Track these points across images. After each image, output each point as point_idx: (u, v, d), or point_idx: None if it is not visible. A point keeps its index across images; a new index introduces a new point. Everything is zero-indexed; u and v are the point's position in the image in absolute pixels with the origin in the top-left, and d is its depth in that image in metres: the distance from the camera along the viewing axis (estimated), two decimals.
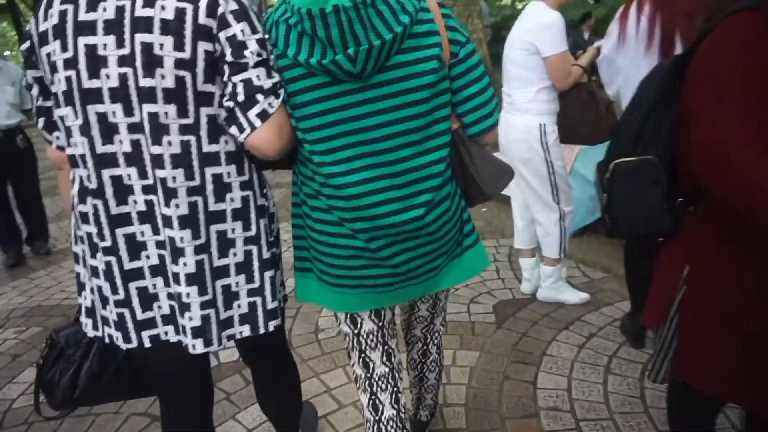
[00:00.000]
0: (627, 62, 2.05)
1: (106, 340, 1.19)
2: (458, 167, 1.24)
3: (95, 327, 1.21)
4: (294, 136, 1.15)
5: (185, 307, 1.13)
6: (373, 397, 1.38)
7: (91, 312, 1.20)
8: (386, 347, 1.36)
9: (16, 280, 3.78)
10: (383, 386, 1.37)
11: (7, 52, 25.37)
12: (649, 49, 1.96)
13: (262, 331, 1.22)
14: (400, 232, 1.15)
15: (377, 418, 1.37)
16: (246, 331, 1.21)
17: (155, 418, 2.17)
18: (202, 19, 1.03)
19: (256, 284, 1.20)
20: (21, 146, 3.98)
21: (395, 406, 1.38)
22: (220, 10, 1.04)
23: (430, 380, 1.66)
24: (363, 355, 1.36)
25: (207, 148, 1.10)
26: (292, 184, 1.29)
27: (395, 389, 1.39)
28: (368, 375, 1.37)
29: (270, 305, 1.22)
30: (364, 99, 1.09)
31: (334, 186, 1.14)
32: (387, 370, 1.37)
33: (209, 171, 1.11)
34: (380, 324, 1.34)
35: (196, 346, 1.15)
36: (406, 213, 1.14)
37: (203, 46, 1.04)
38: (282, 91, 1.10)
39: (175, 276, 1.12)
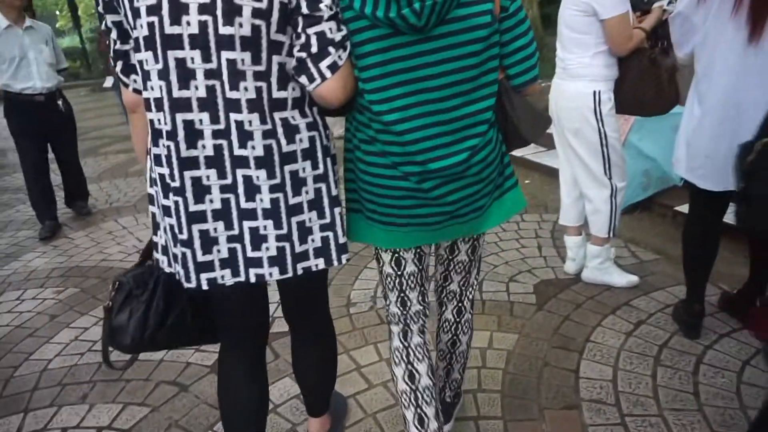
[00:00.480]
0: (708, 22, 1.81)
1: (177, 276, 1.24)
2: (500, 114, 1.30)
3: (170, 263, 1.26)
4: (355, 86, 1.21)
5: (262, 239, 1.19)
6: (405, 328, 1.52)
7: (165, 250, 1.26)
8: (422, 288, 1.50)
9: (56, 240, 3.85)
10: (416, 320, 1.52)
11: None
12: (736, 15, 1.72)
13: (335, 263, 1.28)
14: (448, 174, 1.23)
15: (406, 344, 1.52)
16: (321, 263, 1.26)
17: (183, 387, 2.16)
18: None
19: (328, 220, 1.26)
20: (63, 110, 3.92)
21: (422, 336, 1.53)
22: None
23: (462, 344, 1.67)
24: (402, 294, 1.48)
25: (276, 94, 1.15)
26: (345, 131, 1.35)
27: (424, 325, 1.54)
28: (404, 312, 1.50)
29: (341, 240, 1.28)
30: (423, 50, 1.16)
31: (392, 132, 1.21)
32: (421, 308, 1.51)
33: (277, 115, 1.16)
34: (420, 267, 1.46)
35: (273, 274, 1.21)
36: (454, 157, 1.22)
37: None
38: (348, 44, 1.16)
39: (251, 212, 1.17)
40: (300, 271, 1.24)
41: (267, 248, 1.20)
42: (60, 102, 3.88)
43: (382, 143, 1.24)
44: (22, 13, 3.73)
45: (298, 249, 1.23)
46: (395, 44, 1.16)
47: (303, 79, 1.15)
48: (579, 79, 2.33)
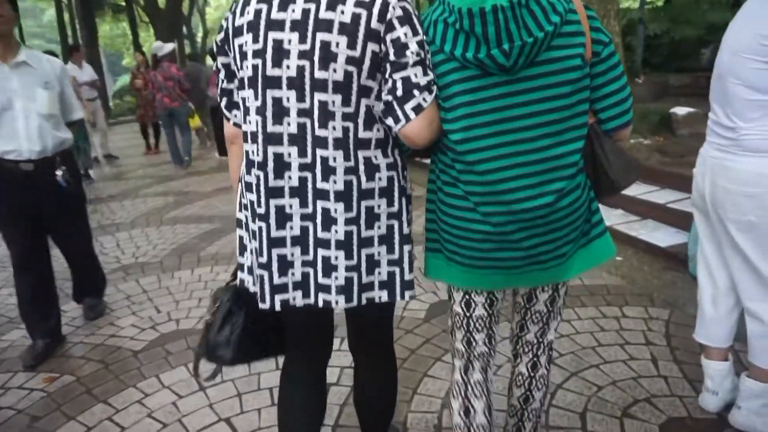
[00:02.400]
0: None
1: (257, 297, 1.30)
2: (590, 159, 1.29)
3: (254, 283, 1.31)
4: (440, 127, 1.24)
5: (332, 268, 1.25)
6: (468, 364, 1.50)
7: (251, 270, 1.33)
8: (490, 331, 1.49)
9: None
10: (479, 359, 1.50)
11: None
12: None
13: (398, 298, 1.31)
14: (532, 217, 1.22)
15: (466, 380, 1.51)
16: (384, 296, 1.30)
17: None
18: (374, 23, 1.16)
19: (396, 255, 1.30)
20: (63, 184, 2.64)
21: (483, 374, 1.51)
22: (389, 16, 1.16)
23: (535, 401, 1.58)
24: (469, 335, 1.47)
25: (362, 134, 1.22)
26: (430, 172, 1.37)
27: (487, 365, 1.52)
28: (468, 350, 1.49)
29: (407, 276, 1.31)
30: (512, 91, 1.17)
31: (475, 172, 1.22)
32: (486, 350, 1.50)
33: (361, 153, 1.23)
34: (491, 311, 1.46)
35: (339, 302, 1.26)
36: (540, 199, 1.21)
37: (371, 47, 1.17)
38: (435, 88, 1.21)
39: (325, 242, 1.24)
40: (364, 301, 1.29)
41: (336, 277, 1.25)
42: (60, 173, 2.61)
43: (464, 183, 1.25)
44: (11, 42, 2.48)
45: (365, 280, 1.27)
46: (485, 85, 1.18)
47: (389, 121, 1.21)
48: (761, 155, 1.63)
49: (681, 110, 4.75)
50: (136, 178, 7.43)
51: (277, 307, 1.27)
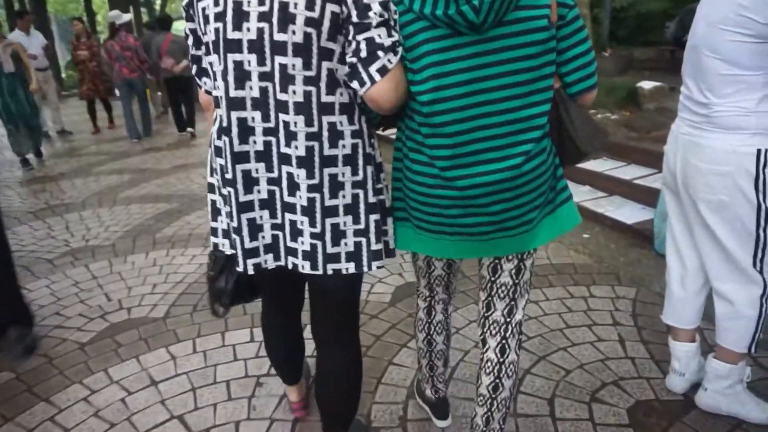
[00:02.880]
0: None
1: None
2: (555, 125, 1.28)
3: (232, 246, 1.33)
4: (407, 90, 1.23)
5: (298, 233, 1.26)
6: (430, 307, 1.67)
7: (227, 233, 1.36)
8: (449, 283, 1.62)
9: None
10: (440, 303, 1.67)
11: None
12: None
13: (365, 269, 1.29)
14: (498, 179, 1.20)
15: (429, 320, 1.69)
16: (351, 267, 1.28)
17: None
18: None
19: (362, 225, 1.28)
20: None
21: (444, 313, 1.70)
22: None
23: (505, 389, 1.50)
24: (429, 285, 1.63)
25: (325, 98, 1.20)
26: (395, 140, 1.38)
27: (448, 304, 1.69)
28: (431, 295, 1.65)
29: (374, 246, 1.29)
30: (481, 51, 1.16)
31: (443, 134, 1.21)
32: (446, 296, 1.66)
33: (325, 119, 1.21)
34: (449, 271, 1.59)
35: (305, 267, 1.28)
36: (506, 161, 1.20)
37: (330, 8, 1.13)
38: (400, 49, 1.19)
39: (291, 206, 1.25)
40: (330, 271, 1.27)
41: (302, 242, 1.26)
42: None
43: (429, 148, 1.24)
44: None
45: (330, 250, 1.26)
46: (454, 44, 1.16)
47: (355, 84, 1.19)
48: (733, 132, 1.57)
49: (647, 84, 4.73)
50: (90, 155, 7.06)
51: (250, 271, 1.30)
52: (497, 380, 1.47)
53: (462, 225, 1.27)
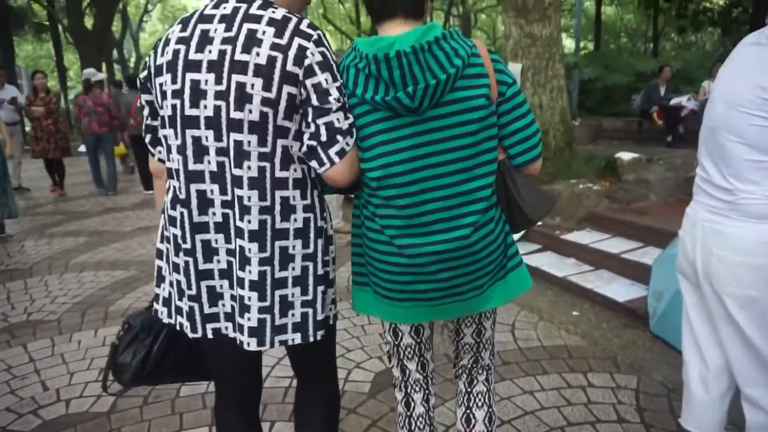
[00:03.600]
0: None
1: (178, 327, 1.33)
2: (503, 194, 1.34)
3: (170, 315, 1.34)
4: (359, 167, 1.29)
5: (245, 309, 1.25)
6: (406, 396, 1.59)
7: (167, 302, 1.35)
8: (422, 359, 1.56)
9: None
10: (416, 389, 1.58)
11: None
12: None
13: (311, 339, 1.30)
14: (446, 249, 1.27)
15: (408, 413, 1.59)
16: (297, 338, 1.29)
17: None
18: (290, 66, 1.17)
19: (310, 296, 1.29)
20: None
21: (425, 405, 1.60)
22: (307, 61, 1.17)
23: (479, 422, 1.56)
24: (401, 362, 1.57)
25: (279, 173, 1.22)
26: (353, 207, 1.43)
27: (427, 392, 1.60)
28: (404, 378, 1.59)
29: (320, 316, 1.31)
30: (421, 130, 1.24)
31: (394, 206, 1.28)
32: (420, 377, 1.58)
33: (279, 193, 1.23)
34: (418, 340, 1.53)
35: (251, 344, 1.26)
36: (453, 232, 1.27)
37: (288, 89, 1.17)
38: (354, 131, 1.25)
39: (240, 281, 1.24)
40: (277, 344, 1.28)
41: (249, 318, 1.25)
42: None
43: (380, 218, 1.31)
44: None
45: (278, 321, 1.27)
46: (395, 125, 1.24)
47: (314, 164, 1.23)
48: (765, 222, 1.41)
49: (626, 155, 4.74)
50: (45, 214, 6.66)
51: (209, 335, 1.30)
52: (468, 411, 1.59)
53: (413, 291, 1.32)
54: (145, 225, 5.89)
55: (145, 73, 1.28)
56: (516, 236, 4.11)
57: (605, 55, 11.88)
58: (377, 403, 2.39)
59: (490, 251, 1.30)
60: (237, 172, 1.19)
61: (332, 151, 1.21)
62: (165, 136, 1.25)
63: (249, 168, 1.19)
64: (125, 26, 23.41)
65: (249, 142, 1.18)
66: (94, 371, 2.72)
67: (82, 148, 8.47)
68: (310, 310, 1.29)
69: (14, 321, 3.39)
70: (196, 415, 2.32)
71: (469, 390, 1.58)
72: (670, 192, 4.49)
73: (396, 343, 1.53)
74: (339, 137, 1.21)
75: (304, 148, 1.22)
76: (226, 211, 1.22)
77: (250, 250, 1.21)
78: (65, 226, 5.94)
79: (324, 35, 1.23)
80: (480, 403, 1.57)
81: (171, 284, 1.32)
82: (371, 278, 1.37)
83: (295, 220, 1.25)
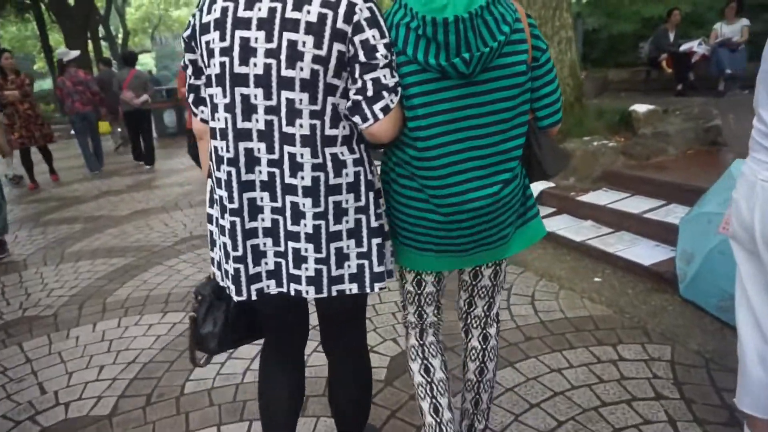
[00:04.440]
0: None
1: (227, 291, 1.36)
2: (526, 151, 1.40)
3: (222, 278, 1.37)
4: (402, 125, 1.31)
5: (302, 260, 1.28)
6: (421, 331, 1.65)
7: (219, 265, 1.38)
8: (438, 303, 1.65)
9: None
10: (431, 331, 1.65)
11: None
12: None
13: (368, 290, 1.34)
14: (481, 206, 1.32)
15: (422, 342, 1.64)
16: (354, 288, 1.33)
17: None
18: (340, 24, 1.18)
19: (365, 248, 1.33)
20: None
21: (436, 335, 1.67)
22: (356, 17, 1.19)
23: (489, 371, 1.67)
24: (420, 309, 1.63)
25: (329, 131, 1.24)
26: (382, 164, 1.45)
27: (438, 330, 1.68)
28: (420, 321, 1.64)
29: (377, 269, 1.34)
30: (467, 93, 1.26)
31: (432, 168, 1.31)
32: (435, 320, 1.66)
33: (328, 150, 1.25)
34: (438, 287, 1.62)
35: (309, 292, 1.30)
36: (488, 189, 1.32)
37: (337, 47, 1.18)
38: (400, 89, 1.26)
39: (295, 234, 1.27)
40: (334, 293, 1.32)
41: (306, 268, 1.28)
42: None
43: (421, 177, 1.33)
44: None
45: (335, 273, 1.30)
46: (443, 87, 1.25)
47: (357, 119, 1.24)
48: None
49: (641, 107, 4.46)
50: (39, 202, 6.46)
51: (253, 296, 1.32)
52: (482, 365, 1.66)
53: (448, 243, 1.38)
54: (141, 208, 5.70)
55: (189, 31, 1.28)
56: None
57: (609, 3, 11.38)
58: (395, 392, 2.23)
59: (514, 203, 1.39)
60: (289, 129, 1.21)
61: (377, 107, 1.21)
62: (211, 95, 1.26)
63: (301, 126, 1.21)
64: (110, 1, 22.67)
65: (301, 100, 1.19)
66: (94, 370, 2.57)
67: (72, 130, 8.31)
68: (366, 262, 1.33)
69: (9, 318, 3.23)
70: (202, 413, 2.17)
71: (484, 347, 1.65)
72: (689, 144, 4.24)
73: (419, 291, 1.58)
74: (385, 93, 1.22)
75: (349, 103, 1.23)
76: (273, 170, 1.24)
77: (304, 205, 1.25)
78: (60, 213, 5.75)
79: None
80: (492, 356, 1.68)
81: (219, 247, 1.35)
82: (400, 232, 1.42)
83: (347, 174, 1.27)
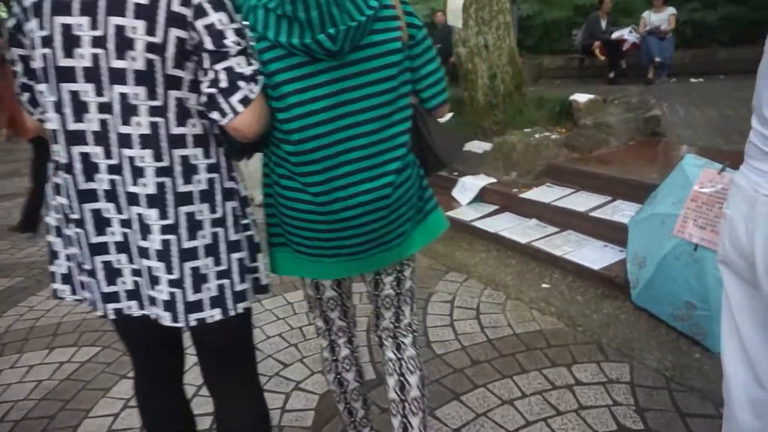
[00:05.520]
0: None
1: (84, 304, 1.24)
2: (415, 138, 1.33)
3: (73, 292, 1.24)
4: (269, 118, 1.20)
5: (155, 280, 1.14)
6: (332, 343, 1.57)
7: (68, 278, 1.24)
8: (343, 307, 1.54)
9: None
10: (340, 335, 1.57)
11: None
12: None
13: (232, 313, 1.20)
14: (371, 200, 1.23)
15: (334, 357, 1.57)
16: (217, 314, 1.18)
17: None
18: (176, 6, 1.04)
19: (224, 266, 1.19)
20: None
21: (349, 346, 1.59)
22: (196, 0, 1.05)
23: (413, 387, 1.49)
24: (324, 314, 1.53)
25: (175, 130, 1.12)
26: (263, 166, 1.33)
27: (350, 335, 1.59)
28: (328, 327, 1.55)
29: (238, 287, 1.21)
30: (340, 76, 1.17)
31: (313, 161, 1.20)
32: (344, 324, 1.56)
33: (177, 152, 1.12)
34: (340, 291, 1.51)
35: (166, 319, 1.16)
36: (377, 180, 1.23)
37: (175, 33, 1.05)
38: (261, 77, 1.14)
39: (144, 251, 1.13)
40: (193, 322, 1.17)
41: (160, 290, 1.15)
42: None
43: (301, 175, 1.23)
44: None
45: (191, 297, 1.15)
46: (313, 71, 1.16)
47: (215, 115, 1.12)
48: None
49: (582, 97, 4.30)
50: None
51: (111, 316, 1.20)
52: (401, 379, 1.50)
53: (340, 246, 1.29)
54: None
55: (14, 21, 1.11)
56: (469, 198, 3.51)
57: None
58: None
59: (409, 196, 1.30)
60: (124, 129, 1.07)
61: (235, 99, 1.09)
62: (41, 93, 1.11)
63: (139, 124, 1.08)
64: None
65: (136, 94, 1.06)
66: None
67: None
68: (227, 281, 1.18)
69: None
70: None
71: (399, 357, 1.51)
72: (630, 134, 4.11)
73: (319, 296, 1.50)
74: (241, 83, 1.09)
75: (204, 98, 1.11)
76: (114, 177, 1.10)
77: (149, 216, 1.10)
78: None
79: None
80: (412, 368, 1.51)
81: (68, 258, 1.21)
82: (291, 238, 1.32)
83: (199, 181, 1.14)
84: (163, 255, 1.12)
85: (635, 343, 2.36)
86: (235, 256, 1.19)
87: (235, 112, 1.10)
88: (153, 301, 1.16)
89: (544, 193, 3.63)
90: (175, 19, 1.04)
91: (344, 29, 1.11)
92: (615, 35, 7.76)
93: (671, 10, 7.78)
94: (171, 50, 1.05)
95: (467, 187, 3.96)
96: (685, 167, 2.50)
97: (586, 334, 2.45)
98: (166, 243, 1.11)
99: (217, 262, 1.17)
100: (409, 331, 1.52)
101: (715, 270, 2.24)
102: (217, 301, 1.17)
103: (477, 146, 4.23)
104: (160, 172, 1.10)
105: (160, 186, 1.10)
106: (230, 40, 1.07)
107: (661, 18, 7.73)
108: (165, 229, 1.11)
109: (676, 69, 8.01)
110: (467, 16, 4.42)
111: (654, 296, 2.50)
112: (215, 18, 1.06)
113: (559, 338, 2.43)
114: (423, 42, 1.29)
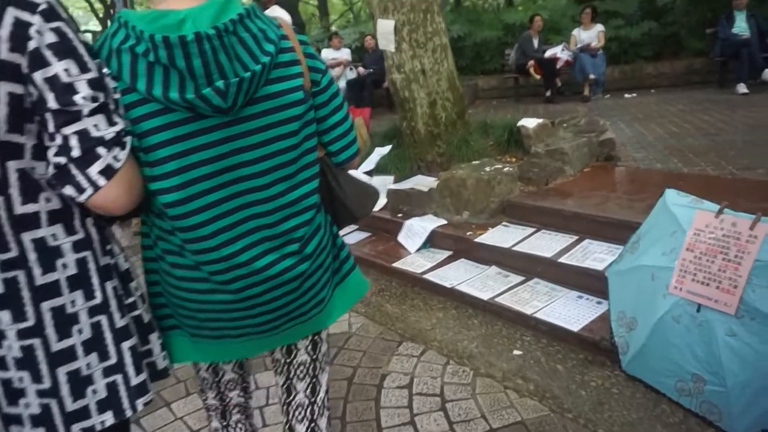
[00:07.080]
0: None
1: None
2: (326, 194, 1.22)
3: None
4: (143, 187, 1.00)
5: (19, 393, 0.94)
6: (224, 418, 1.39)
7: None
8: (244, 384, 1.39)
9: None
10: (236, 410, 1.39)
11: None
12: None
13: (129, 413, 1.02)
14: (279, 272, 1.07)
15: (225, 423, 1.38)
16: (109, 418, 0.99)
17: None
18: (4, 53, 0.84)
19: (113, 360, 1.00)
20: None
21: (240, 413, 1.40)
22: (33, 44, 0.85)
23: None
24: (221, 394, 1.36)
25: (21, 209, 0.92)
26: (143, 236, 1.14)
27: (247, 410, 1.42)
28: (223, 404, 1.37)
29: (135, 380, 1.02)
30: (231, 135, 1.00)
31: (203, 237, 1.02)
32: (242, 399, 1.40)
33: (27, 237, 0.92)
34: (242, 372, 1.37)
35: None
36: (283, 249, 1.07)
37: (6, 88, 0.86)
38: (128, 139, 0.94)
39: (2, 360, 0.93)
40: None
41: (27, 404, 0.94)
42: None
43: (192, 252, 1.03)
44: None
45: (72, 407, 0.96)
46: (197, 130, 0.97)
47: (69, 190, 0.90)
48: None
49: (530, 122, 3.95)
50: None
51: None
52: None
53: (249, 325, 1.10)
54: None
55: None
56: (417, 244, 3.15)
57: (469, 10, 11.33)
58: None
59: (322, 259, 1.16)
60: None
61: (93, 171, 0.88)
62: None
63: None
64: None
65: None
66: None
67: None
68: (119, 377, 0.99)
69: None
70: None
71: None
72: (584, 160, 3.79)
73: (218, 379, 1.32)
74: (101, 150, 0.89)
75: (51, 169, 0.88)
76: None
77: (1, 321, 0.90)
78: None
79: (59, 3, 0.88)
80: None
81: None
82: (185, 321, 1.12)
83: (65, 266, 0.94)
84: (26, 362, 0.92)
85: (638, 427, 1.92)
86: (126, 344, 1.02)
87: (96, 187, 0.90)
88: (17, 420, 0.94)
89: (501, 235, 3.20)
90: (4, 70, 0.84)
91: (236, 82, 0.93)
92: (548, 53, 7.67)
93: (600, 27, 7.83)
94: (3, 110, 0.86)
95: (415, 232, 3.49)
96: (671, 208, 2.12)
97: (578, 421, 1.98)
98: (27, 349, 0.92)
99: (104, 357, 0.99)
100: (325, 408, 1.36)
101: (727, 335, 1.86)
102: (109, 403, 0.99)
103: (421, 183, 3.78)
104: (8, 264, 0.91)
105: (11, 282, 0.91)
106: (82, 95, 0.87)
107: (591, 35, 7.74)
108: (24, 334, 0.92)
109: (608, 85, 8.04)
110: (400, 39, 3.99)
111: (651, 366, 2.08)
112: (59, 68, 0.86)
113: (544, 429, 1.95)
114: (328, 88, 1.14)
